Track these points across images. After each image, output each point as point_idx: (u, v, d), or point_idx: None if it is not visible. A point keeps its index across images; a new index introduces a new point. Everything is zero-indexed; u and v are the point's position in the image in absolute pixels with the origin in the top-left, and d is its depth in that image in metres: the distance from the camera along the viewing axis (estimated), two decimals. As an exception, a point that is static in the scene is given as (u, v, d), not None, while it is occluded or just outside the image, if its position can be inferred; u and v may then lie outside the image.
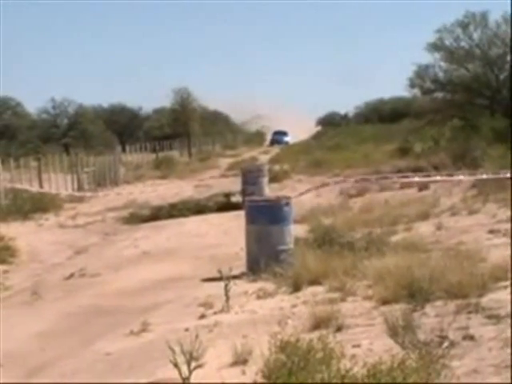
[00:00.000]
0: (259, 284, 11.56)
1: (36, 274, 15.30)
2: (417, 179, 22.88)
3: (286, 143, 73.57)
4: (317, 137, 71.02)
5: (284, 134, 79.51)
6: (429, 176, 23.02)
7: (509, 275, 9.41)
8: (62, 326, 10.61)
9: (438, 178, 22.16)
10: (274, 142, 75.21)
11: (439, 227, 15.58)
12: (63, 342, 9.76)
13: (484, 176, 19.96)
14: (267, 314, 9.67)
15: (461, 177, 21.16)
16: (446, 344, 6.70)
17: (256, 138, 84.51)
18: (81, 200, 30.10)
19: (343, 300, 9.82)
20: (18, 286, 14.15)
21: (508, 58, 36.71)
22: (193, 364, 6.56)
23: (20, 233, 20.00)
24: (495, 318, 7.90)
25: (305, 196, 23.74)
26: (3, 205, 25.09)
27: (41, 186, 29.80)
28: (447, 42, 37.69)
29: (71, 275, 14.40)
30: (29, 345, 9.73)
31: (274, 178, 29.62)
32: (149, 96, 62.05)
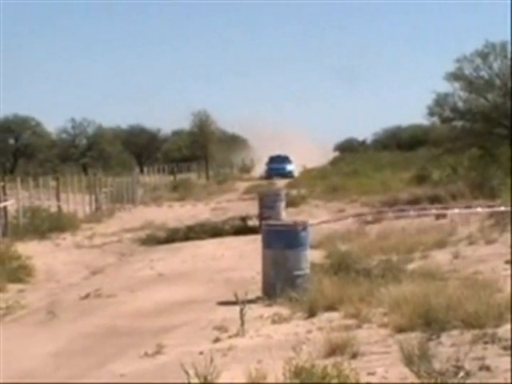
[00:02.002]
0: (274, 309, 11.55)
1: (52, 293, 15.34)
2: (434, 211, 22.62)
3: (290, 174, 55.54)
4: (334, 162, 69.53)
5: (285, 160, 59.61)
6: (446, 208, 22.84)
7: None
8: (77, 346, 10.62)
9: (456, 210, 21.96)
10: (271, 174, 55.87)
11: (456, 256, 15.53)
12: (78, 362, 9.76)
13: (502, 208, 19.88)
14: (282, 339, 9.65)
15: (478, 209, 21.04)
16: (461, 374, 6.66)
17: None
18: (98, 220, 30.19)
19: (359, 327, 9.79)
20: (33, 305, 14.18)
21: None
22: (207, 387, 6.55)
23: (37, 252, 20.06)
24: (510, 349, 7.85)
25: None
26: (21, 223, 25.19)
27: (59, 205, 29.90)
28: (467, 72, 37.73)
29: (87, 295, 14.43)
30: (43, 364, 9.74)
31: (291, 203, 29.63)
32: (168, 118, 62.17)
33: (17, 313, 13.58)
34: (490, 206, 21.31)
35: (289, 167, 58.69)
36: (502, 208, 20.30)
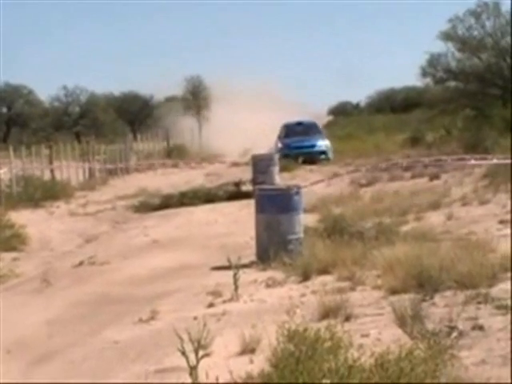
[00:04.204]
0: (268, 273, 11.55)
1: (46, 261, 15.33)
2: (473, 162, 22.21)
3: (323, 156, 34.98)
4: (328, 126, 69.00)
5: (312, 130, 36.94)
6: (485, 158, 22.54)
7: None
8: (71, 314, 10.62)
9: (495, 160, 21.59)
10: (289, 154, 33.17)
11: (450, 217, 15.54)
12: (72, 329, 9.77)
13: (495, 161, 19.80)
14: (276, 303, 9.65)
15: (472, 161, 20.90)
16: (454, 334, 6.67)
17: None
18: (92, 188, 30.14)
19: (352, 290, 9.79)
20: (27, 273, 14.18)
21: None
22: (200, 352, 6.54)
23: (31, 220, 20.04)
24: (504, 309, 7.86)
25: (315, 185, 23.71)
26: (14, 192, 25.14)
27: (52, 174, 29.84)
28: (460, 32, 37.53)
29: (81, 263, 14.42)
30: (38, 332, 9.75)
31: (285, 168, 29.58)
32: (161, 84, 61.76)
33: (11, 281, 13.59)
34: (482, 159, 21.28)
35: (321, 143, 35.40)
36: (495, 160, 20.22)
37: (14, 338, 9.39)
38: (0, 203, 23.04)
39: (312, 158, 34.21)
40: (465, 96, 37.07)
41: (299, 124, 38.00)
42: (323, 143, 36.04)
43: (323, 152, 35.48)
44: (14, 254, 16.26)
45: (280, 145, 35.99)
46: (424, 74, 38.12)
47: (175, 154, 46.42)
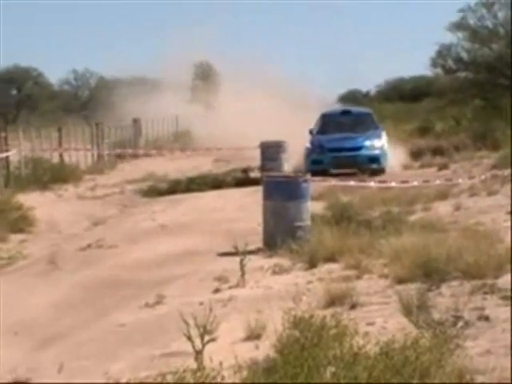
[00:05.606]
0: (275, 260, 11.57)
1: (53, 244, 15.36)
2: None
3: (375, 163, 23.27)
4: None
5: (363, 123, 24.86)
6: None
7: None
8: (78, 297, 10.66)
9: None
10: (322, 156, 23.58)
11: (458, 207, 15.51)
12: (78, 312, 9.80)
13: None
14: (282, 290, 9.67)
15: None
16: (460, 324, 6.68)
17: None
18: (100, 171, 30.16)
19: (358, 278, 9.81)
20: (35, 255, 14.22)
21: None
22: (206, 337, 6.58)
23: (39, 203, 20.06)
24: (510, 300, 7.86)
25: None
26: (23, 174, 25.17)
27: (61, 156, 29.89)
28: (471, 22, 37.41)
29: (88, 246, 14.45)
30: (44, 314, 9.78)
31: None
32: (169, 69, 61.53)
33: (18, 263, 13.63)
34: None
35: (372, 144, 23.97)
36: None
37: (21, 320, 9.43)
38: (9, 185, 23.08)
39: (356, 165, 22.56)
40: (474, 86, 36.97)
41: (345, 113, 25.90)
42: (377, 144, 23.85)
43: (374, 158, 23.20)
44: (21, 236, 16.29)
45: (309, 145, 24.31)
46: (434, 64, 38.05)
47: (183, 140, 46.38)
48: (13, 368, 7.62)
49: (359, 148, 23.67)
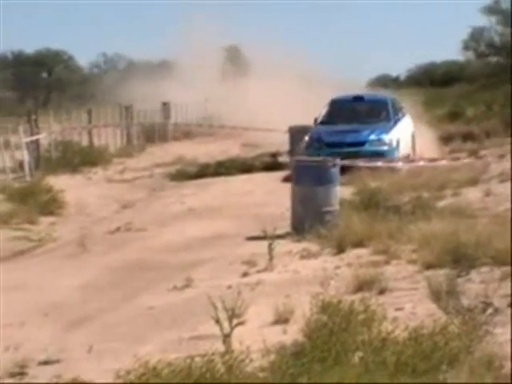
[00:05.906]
0: (303, 244, 11.55)
1: (82, 226, 15.45)
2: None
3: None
4: None
5: (377, 111, 21.53)
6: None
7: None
8: (106, 279, 10.72)
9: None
10: (319, 151, 18.41)
11: (488, 193, 15.40)
12: (106, 294, 9.85)
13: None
14: (310, 275, 9.66)
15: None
16: (489, 311, 6.63)
17: None
18: (129, 155, 30.25)
19: (387, 263, 9.77)
20: (64, 237, 14.31)
21: None
22: (234, 321, 6.59)
23: (68, 185, 20.16)
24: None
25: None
26: (53, 157, 25.32)
27: (91, 139, 30.02)
28: (503, 5, 37.03)
29: (117, 229, 14.52)
30: (73, 296, 9.85)
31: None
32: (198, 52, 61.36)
33: (48, 245, 13.73)
34: None
35: (379, 137, 20.48)
36: None
37: (51, 302, 9.50)
38: (39, 168, 23.23)
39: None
40: (506, 71, 36.61)
41: (358, 99, 22.48)
42: (385, 139, 20.49)
43: (380, 156, 19.30)
44: (51, 219, 16.40)
45: (307, 138, 20.84)
46: (466, 47, 37.73)
47: (211, 124, 46.36)
48: (44, 348, 7.69)
49: (362, 143, 20.31)
